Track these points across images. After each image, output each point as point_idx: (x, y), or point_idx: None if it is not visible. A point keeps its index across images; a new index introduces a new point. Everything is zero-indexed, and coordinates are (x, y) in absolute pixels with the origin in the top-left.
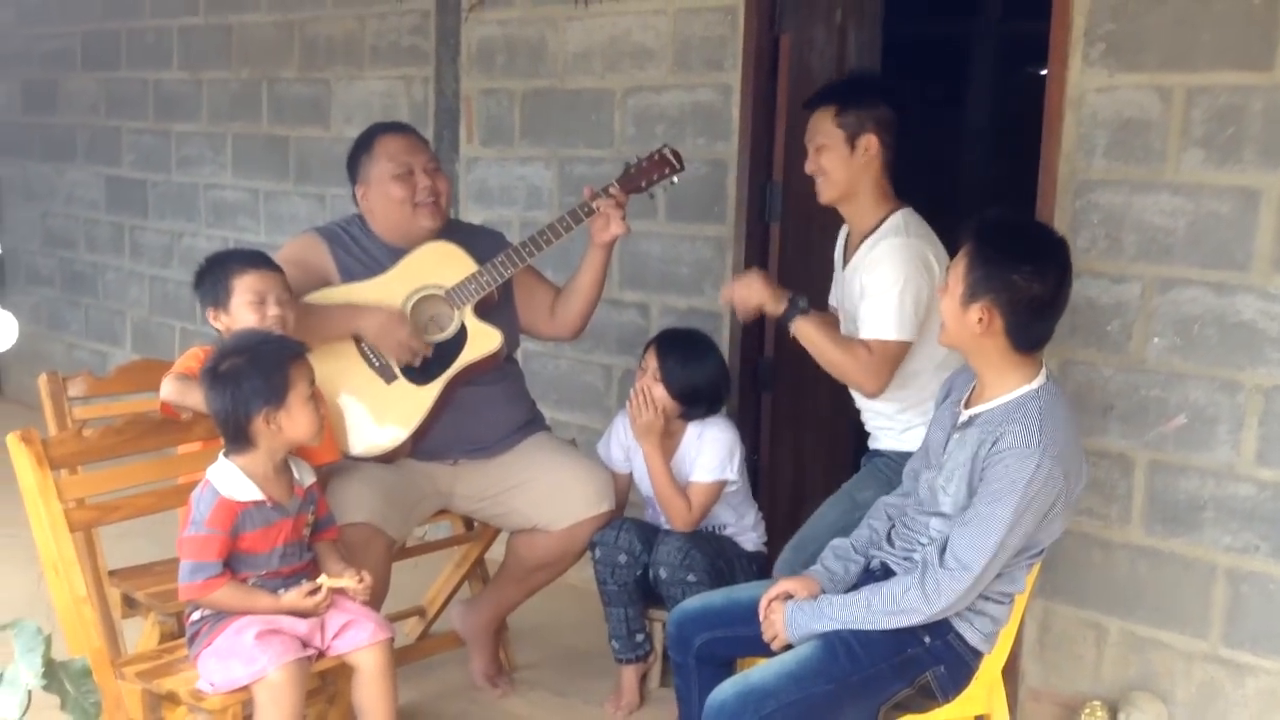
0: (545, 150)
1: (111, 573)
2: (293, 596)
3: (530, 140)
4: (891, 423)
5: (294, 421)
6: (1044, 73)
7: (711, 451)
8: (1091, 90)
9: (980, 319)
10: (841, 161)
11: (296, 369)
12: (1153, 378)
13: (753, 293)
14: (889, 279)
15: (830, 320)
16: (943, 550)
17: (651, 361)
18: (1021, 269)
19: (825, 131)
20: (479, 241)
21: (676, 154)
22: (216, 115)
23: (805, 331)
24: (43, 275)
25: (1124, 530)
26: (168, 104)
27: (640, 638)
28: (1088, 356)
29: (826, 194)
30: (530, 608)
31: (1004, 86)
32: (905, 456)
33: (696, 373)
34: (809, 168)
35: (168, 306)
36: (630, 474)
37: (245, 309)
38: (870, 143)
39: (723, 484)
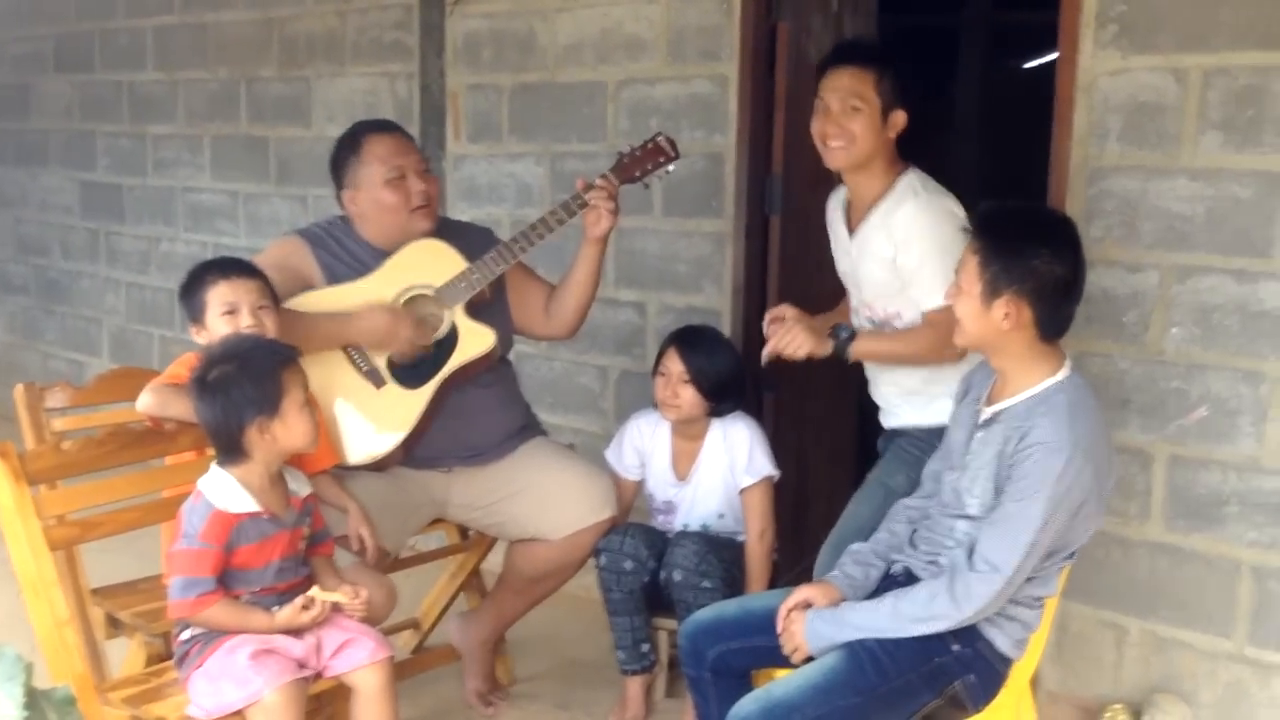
0: (536, 146)
1: (93, 591)
2: (287, 613)
3: (520, 136)
4: (915, 396)
5: (289, 430)
6: (1028, 64)
7: (745, 450)
8: (1104, 74)
9: (1006, 314)
10: (874, 130)
11: (289, 375)
12: (1172, 369)
13: (798, 342)
14: (928, 246)
15: (873, 330)
16: (971, 552)
17: (676, 364)
18: (1040, 254)
19: (864, 95)
20: (468, 238)
21: (671, 142)
22: (193, 116)
23: (865, 352)
24: (16, 283)
25: (1144, 527)
26: (143, 106)
27: (646, 648)
28: (1104, 348)
29: (843, 159)
30: (530, 618)
31: (992, 77)
32: (932, 433)
33: (722, 367)
34: (829, 128)
35: (146, 314)
36: (639, 481)
37: (220, 321)
38: (900, 118)
39: (772, 479)
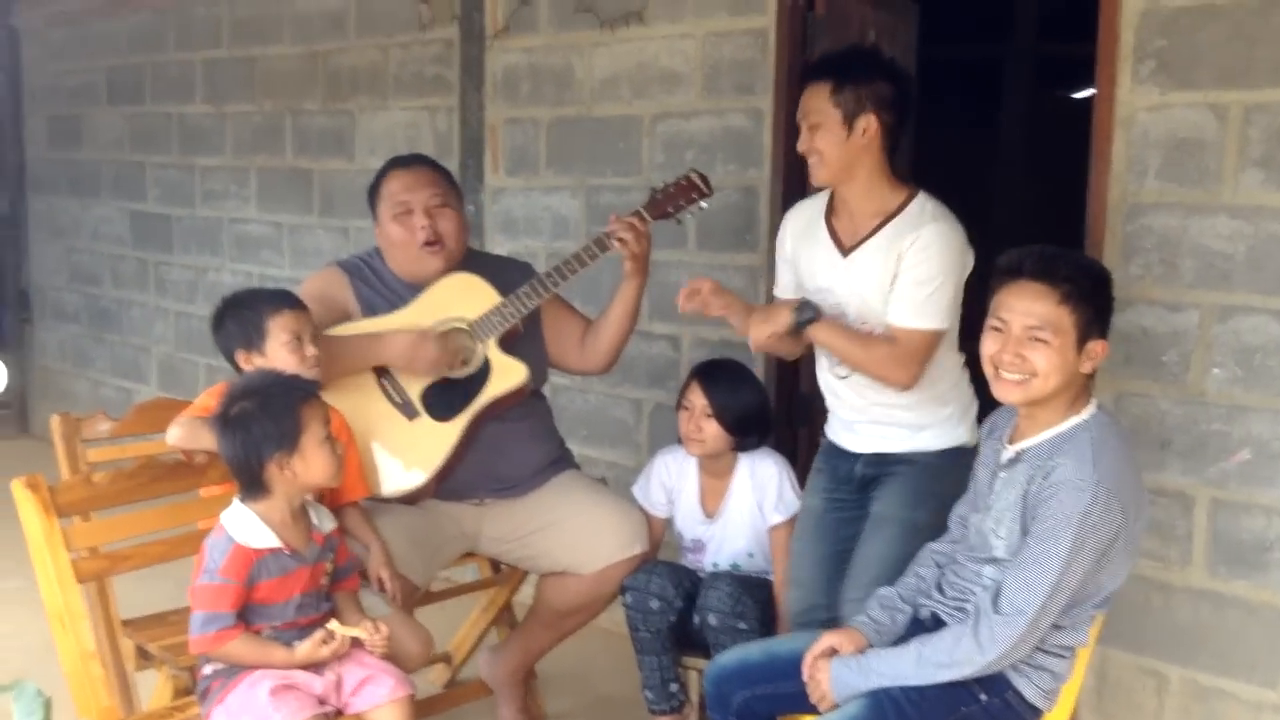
0: (571, 179)
1: (125, 622)
2: (306, 647)
3: (556, 169)
4: (929, 418)
5: (308, 465)
6: (1076, 95)
7: (774, 488)
8: (1142, 109)
9: (1092, 355)
10: (837, 142)
11: (308, 410)
12: (1213, 410)
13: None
14: (936, 267)
15: (839, 321)
16: (996, 596)
17: (699, 399)
18: (1109, 288)
19: (819, 109)
20: (504, 273)
21: (704, 178)
22: (240, 148)
23: (823, 336)
24: (68, 311)
25: (1184, 573)
26: (192, 138)
27: (674, 687)
28: (1143, 388)
29: (819, 175)
30: (561, 653)
31: (1038, 109)
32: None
33: (746, 400)
34: (801, 146)
35: (193, 342)
36: (668, 518)
37: (283, 350)
38: (869, 123)
39: None
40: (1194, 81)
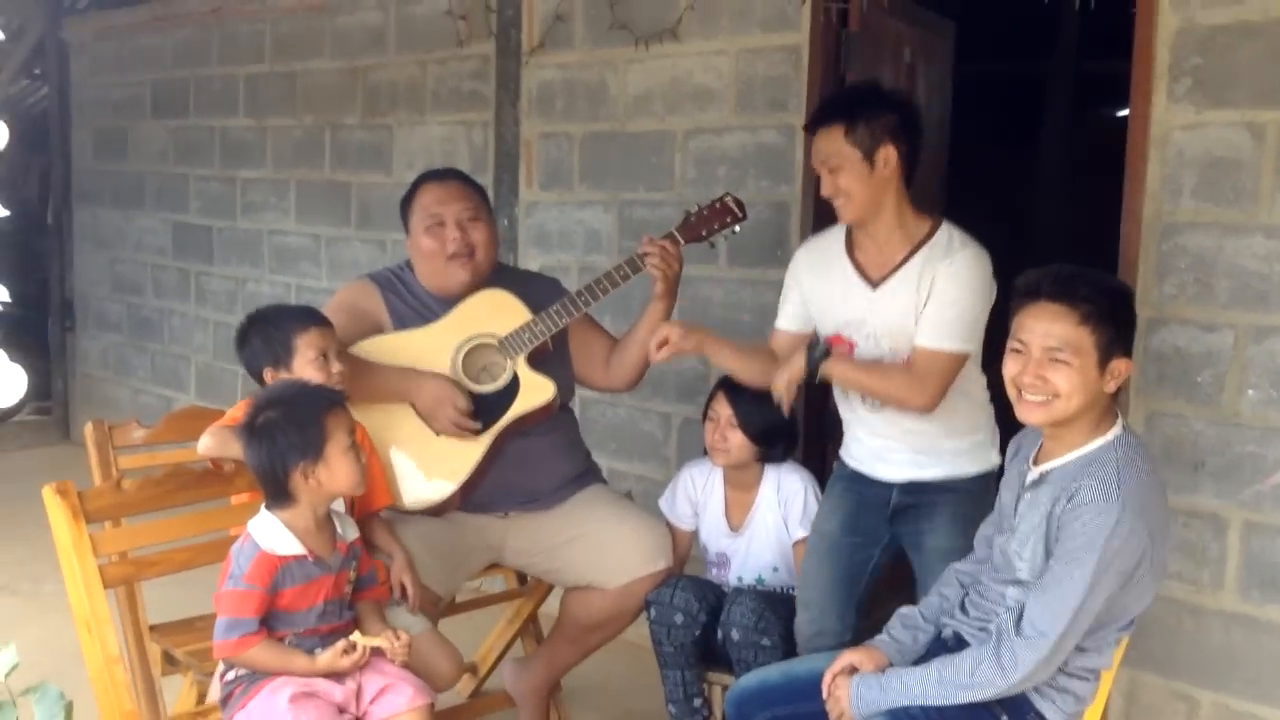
0: (605, 194)
1: (152, 628)
2: (327, 657)
3: (590, 184)
4: (964, 443)
5: (333, 474)
6: (1121, 113)
7: (800, 502)
8: (1177, 128)
9: (1115, 374)
10: (861, 180)
11: (333, 419)
12: (1247, 432)
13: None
14: (965, 290)
15: (845, 354)
16: (1019, 619)
17: (724, 409)
18: (1131, 306)
19: (837, 152)
20: (534, 289)
21: (739, 202)
22: (280, 162)
23: (836, 371)
24: (111, 320)
25: (1217, 596)
26: (234, 151)
27: (698, 702)
28: (1177, 409)
29: (848, 214)
30: (587, 666)
31: (1079, 126)
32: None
33: (772, 412)
34: (825, 190)
35: (231, 352)
36: (694, 531)
37: (310, 367)
38: (889, 155)
39: None
40: (1230, 100)
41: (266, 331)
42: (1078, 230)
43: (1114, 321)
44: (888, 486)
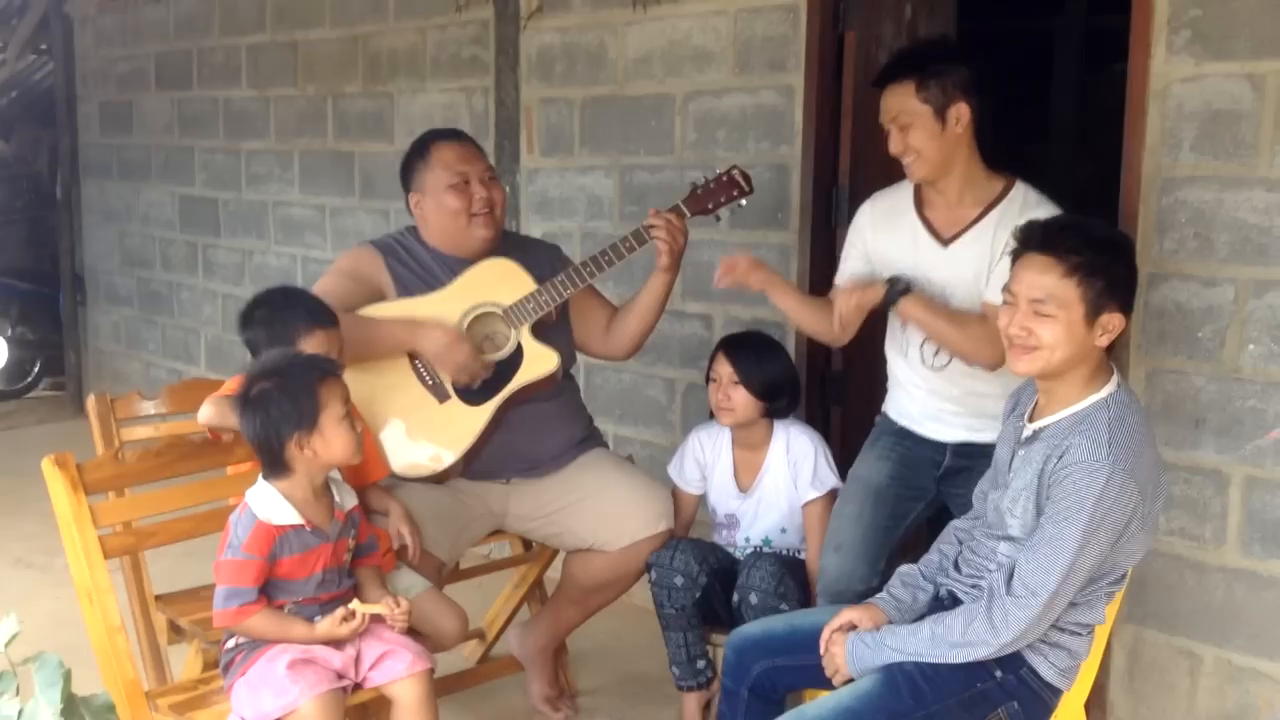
0: (606, 159)
1: (159, 597)
2: (326, 624)
3: (590, 149)
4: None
5: (328, 444)
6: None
7: (810, 463)
8: (1176, 81)
9: (1106, 329)
10: (932, 137)
11: (327, 389)
12: (1248, 387)
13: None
14: None
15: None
16: (1010, 576)
17: (725, 367)
18: (1126, 263)
19: (908, 109)
20: (536, 256)
21: (745, 176)
22: (284, 132)
23: (914, 312)
24: (121, 294)
25: (1219, 552)
26: (237, 122)
27: (702, 664)
28: (1177, 365)
29: (919, 172)
30: (592, 630)
31: (1089, 82)
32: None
33: (772, 367)
34: (894, 149)
35: None
36: (700, 496)
37: None
38: (961, 111)
39: (836, 493)
40: (1230, 52)
41: (272, 323)
42: (1089, 186)
43: (1105, 275)
44: (940, 447)
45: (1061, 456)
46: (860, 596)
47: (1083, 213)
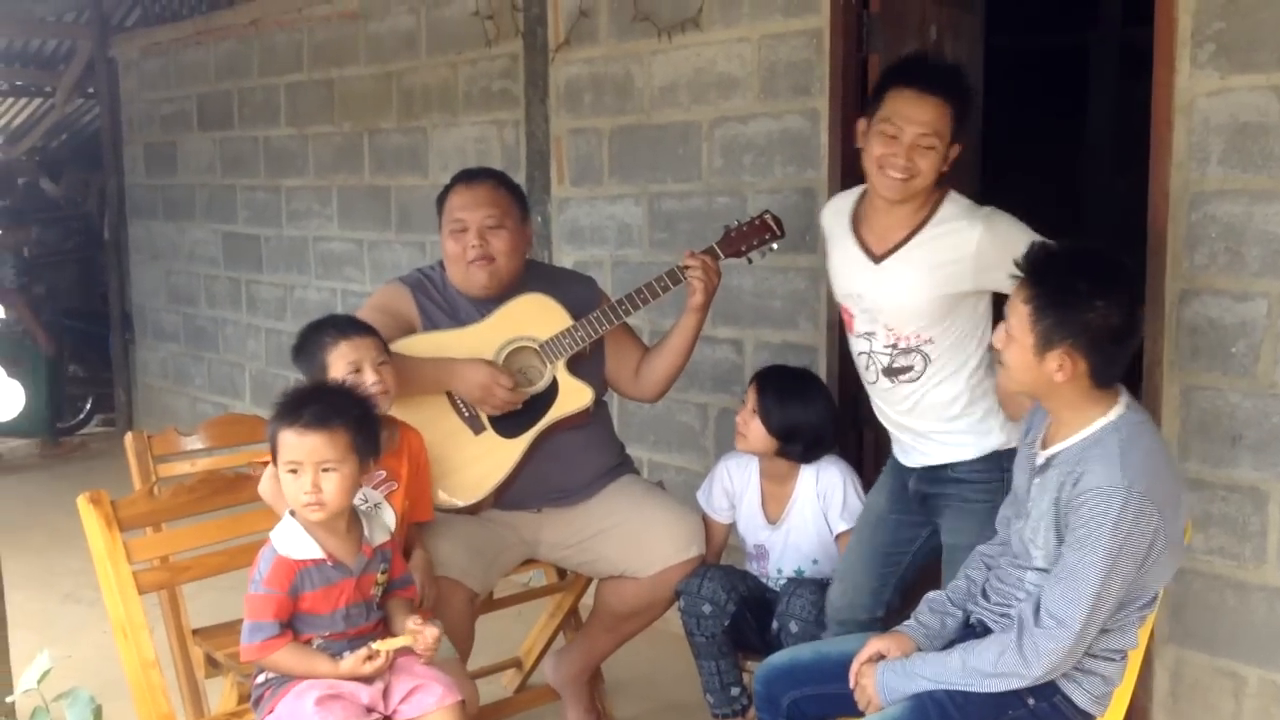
0: (634, 187)
1: (196, 631)
2: (350, 663)
3: (619, 178)
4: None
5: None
6: None
7: (839, 495)
8: (1202, 94)
9: (1060, 366)
10: (936, 166)
11: (278, 437)
12: None
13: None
14: (1017, 228)
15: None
16: (1036, 609)
17: (751, 396)
18: (1096, 305)
19: (942, 133)
20: (570, 289)
21: (778, 220)
22: (322, 168)
23: None
24: (168, 331)
25: (1260, 570)
26: (277, 160)
27: (736, 691)
28: (1212, 381)
29: (901, 192)
30: (630, 658)
31: (1127, 96)
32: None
33: (795, 412)
34: (897, 157)
35: (283, 358)
36: (730, 524)
37: (344, 381)
38: (956, 151)
39: None
40: (1255, 64)
41: (308, 348)
42: (1129, 197)
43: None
44: (909, 472)
45: (1076, 483)
46: (866, 625)
47: (1126, 227)
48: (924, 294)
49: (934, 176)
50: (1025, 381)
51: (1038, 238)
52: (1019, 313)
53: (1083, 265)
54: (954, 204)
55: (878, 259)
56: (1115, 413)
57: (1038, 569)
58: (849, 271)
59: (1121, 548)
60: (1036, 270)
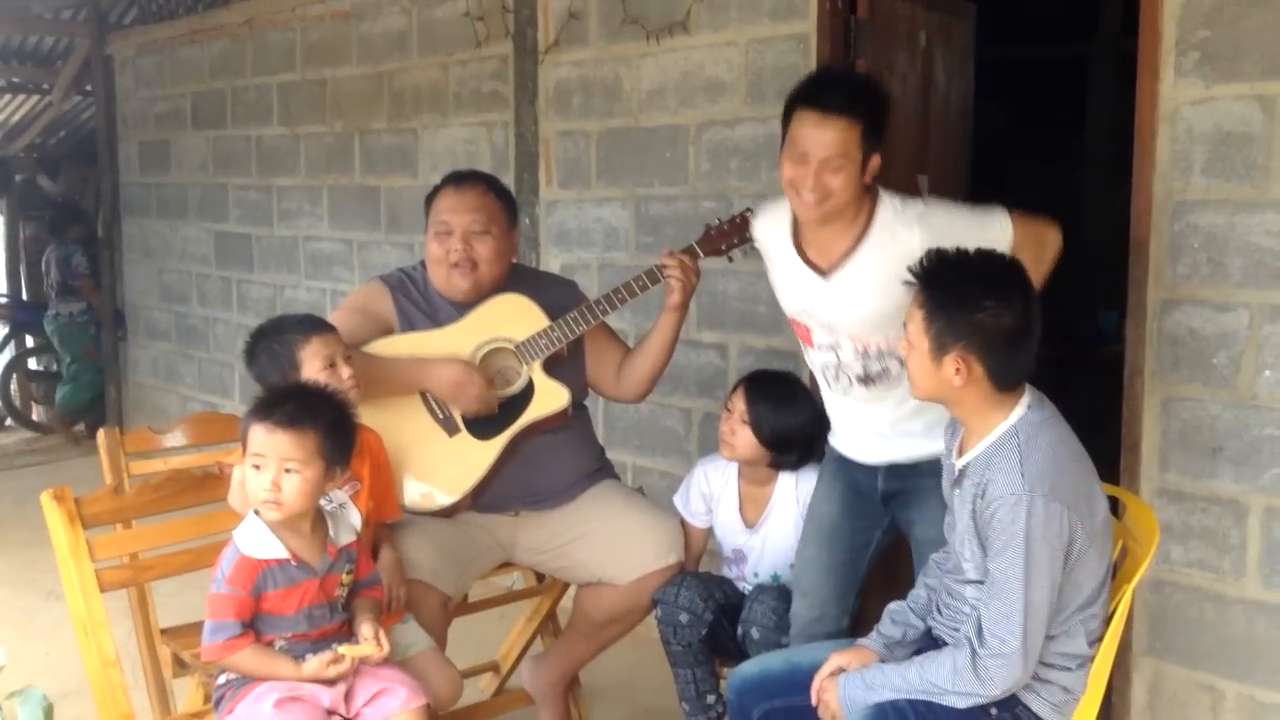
0: (621, 190)
1: (164, 630)
2: (313, 665)
3: (607, 180)
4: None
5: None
6: None
7: None
8: (1186, 103)
9: (957, 370)
10: (853, 184)
11: (249, 431)
12: (1266, 414)
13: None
14: (960, 225)
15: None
16: (979, 631)
17: (740, 403)
18: (984, 306)
19: (849, 153)
20: (550, 292)
21: None
22: (313, 168)
23: None
24: (159, 329)
25: (1239, 584)
26: (269, 159)
27: (712, 699)
28: (1193, 392)
29: (816, 215)
30: (608, 664)
31: (1126, 107)
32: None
33: (788, 419)
34: (807, 182)
35: None
36: (708, 529)
37: (320, 376)
38: (876, 162)
39: None
40: (1239, 73)
41: (271, 347)
42: (1127, 208)
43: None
44: (873, 470)
45: (984, 493)
46: (832, 637)
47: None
48: (878, 302)
49: (852, 192)
50: (928, 388)
51: (975, 212)
52: (914, 318)
53: (973, 267)
54: (886, 208)
55: (825, 274)
56: (1015, 415)
57: (973, 581)
58: (797, 289)
59: (1037, 553)
60: (928, 274)
